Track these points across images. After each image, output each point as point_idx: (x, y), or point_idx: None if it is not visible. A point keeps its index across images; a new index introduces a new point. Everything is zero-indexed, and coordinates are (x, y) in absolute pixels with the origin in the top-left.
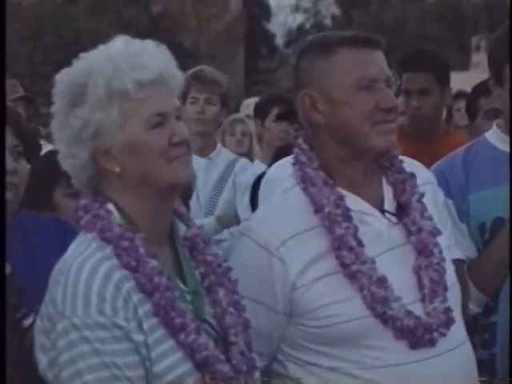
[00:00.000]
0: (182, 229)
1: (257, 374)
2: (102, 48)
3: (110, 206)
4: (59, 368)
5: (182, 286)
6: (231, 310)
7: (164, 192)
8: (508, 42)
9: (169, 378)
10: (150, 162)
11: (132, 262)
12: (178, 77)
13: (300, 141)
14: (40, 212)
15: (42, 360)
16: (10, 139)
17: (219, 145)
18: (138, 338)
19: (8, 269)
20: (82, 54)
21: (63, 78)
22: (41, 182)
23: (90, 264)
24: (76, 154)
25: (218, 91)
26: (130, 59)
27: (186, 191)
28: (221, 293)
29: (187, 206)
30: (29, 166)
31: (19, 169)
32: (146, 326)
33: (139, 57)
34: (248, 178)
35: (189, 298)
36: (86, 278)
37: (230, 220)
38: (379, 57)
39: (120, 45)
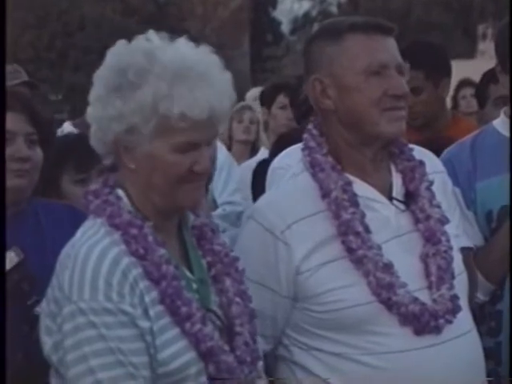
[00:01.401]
0: (190, 218)
1: (260, 364)
2: (166, 53)
3: (120, 192)
4: (64, 352)
5: (188, 274)
6: (237, 299)
7: (168, 207)
8: None
9: (173, 365)
10: (164, 181)
11: (140, 249)
12: (229, 106)
13: (310, 126)
14: (49, 199)
15: (46, 342)
16: (25, 126)
17: None
18: (144, 324)
19: (20, 255)
20: (145, 42)
21: (119, 57)
22: (49, 169)
23: (98, 249)
24: (103, 131)
25: None
26: (186, 84)
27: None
28: (227, 282)
29: (207, 189)
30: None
31: (33, 156)
32: (151, 313)
33: (197, 85)
34: (221, 161)
35: (195, 286)
36: (94, 263)
37: (211, 206)
38: (390, 43)
39: (185, 56)
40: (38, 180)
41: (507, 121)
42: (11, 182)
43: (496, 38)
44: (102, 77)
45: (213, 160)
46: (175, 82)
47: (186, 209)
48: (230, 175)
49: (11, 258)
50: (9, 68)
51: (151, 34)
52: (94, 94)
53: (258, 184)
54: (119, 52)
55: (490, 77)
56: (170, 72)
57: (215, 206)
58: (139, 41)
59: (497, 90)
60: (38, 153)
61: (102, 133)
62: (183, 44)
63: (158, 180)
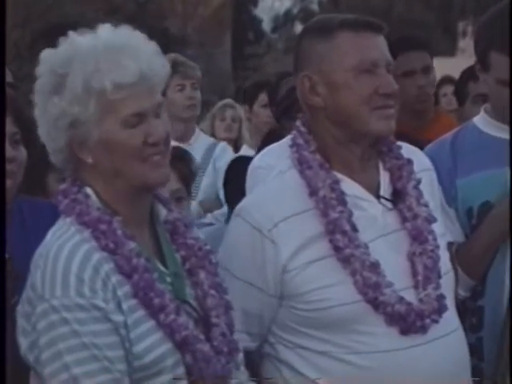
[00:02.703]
0: (163, 213)
1: (240, 356)
2: (86, 38)
3: (89, 190)
4: (39, 350)
5: (161, 268)
6: (212, 292)
7: (137, 188)
8: (498, 29)
9: (149, 358)
10: (124, 160)
11: (110, 244)
12: (161, 72)
13: (298, 123)
14: (35, 197)
15: (22, 343)
16: (9, 127)
17: (197, 130)
18: (117, 318)
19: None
20: (68, 38)
21: (46, 61)
22: (34, 167)
23: (68, 247)
24: (54, 138)
25: (198, 75)
26: (111, 57)
27: (188, 176)
28: (202, 275)
29: (189, 192)
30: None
31: (17, 156)
32: (125, 306)
33: (121, 55)
34: (227, 162)
35: (169, 280)
36: (65, 260)
37: (213, 204)
38: (380, 41)
39: (105, 37)
40: (24, 178)
41: (488, 118)
42: None
43: (475, 36)
44: (37, 87)
45: (168, 136)
46: (100, 58)
47: (155, 186)
48: None
49: None
50: None
51: (72, 34)
52: (36, 107)
53: (232, 180)
54: (45, 57)
55: (468, 74)
56: (92, 52)
57: (220, 204)
58: (63, 42)
59: (476, 88)
60: (22, 152)
61: (53, 141)
62: (103, 28)
63: (118, 163)
